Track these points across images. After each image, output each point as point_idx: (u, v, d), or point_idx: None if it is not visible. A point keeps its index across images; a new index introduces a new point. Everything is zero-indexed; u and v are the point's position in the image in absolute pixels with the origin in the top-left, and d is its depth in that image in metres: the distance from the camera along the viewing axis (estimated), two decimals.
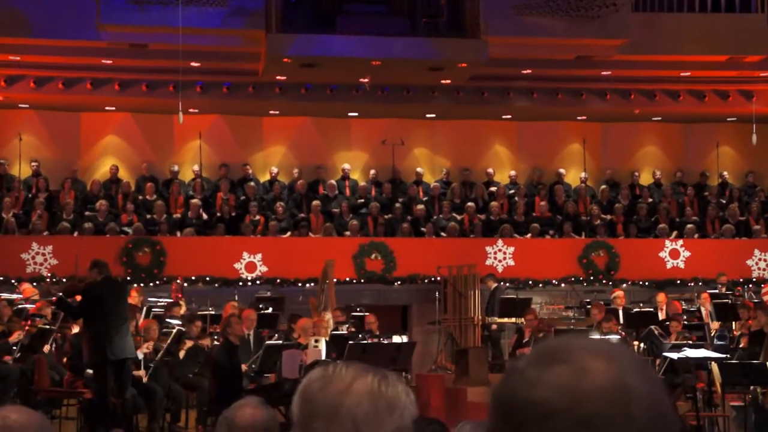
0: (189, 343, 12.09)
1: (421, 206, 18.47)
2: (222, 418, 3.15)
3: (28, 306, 13.17)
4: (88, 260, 15.96)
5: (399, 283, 17.02)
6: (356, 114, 19.27)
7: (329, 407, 1.68)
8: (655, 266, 17.54)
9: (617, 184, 19.89)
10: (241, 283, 16.45)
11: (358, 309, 15.07)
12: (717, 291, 16.09)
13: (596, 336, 11.57)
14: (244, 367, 11.41)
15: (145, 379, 11.11)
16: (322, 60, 15.94)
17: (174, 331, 11.81)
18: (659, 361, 12.86)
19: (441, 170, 19.70)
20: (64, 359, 11.66)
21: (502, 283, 16.76)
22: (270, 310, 14.40)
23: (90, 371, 10.64)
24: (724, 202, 19.31)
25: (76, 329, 11.73)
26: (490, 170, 19.69)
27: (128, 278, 16.12)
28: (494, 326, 15.26)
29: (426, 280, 16.84)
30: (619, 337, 12.96)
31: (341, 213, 18.24)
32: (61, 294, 10.63)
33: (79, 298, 10.50)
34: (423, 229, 17.99)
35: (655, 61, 17.59)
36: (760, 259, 17.72)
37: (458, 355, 13.49)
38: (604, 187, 19.60)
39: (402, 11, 16.23)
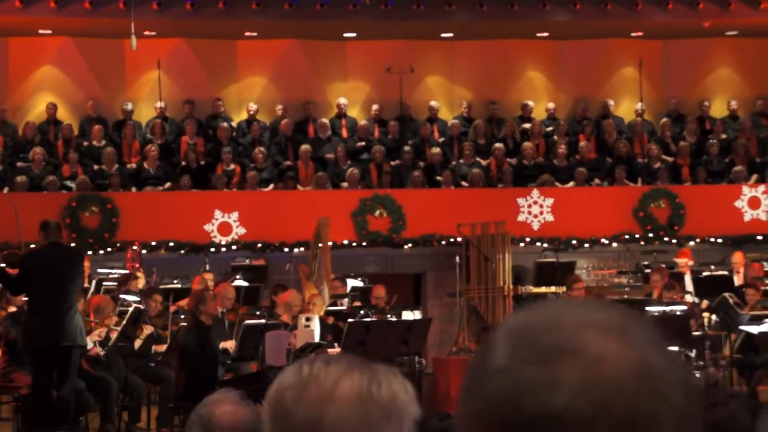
0: (148, 329, 12.13)
1: (436, 149, 18.44)
2: (195, 416, 3.14)
3: None
4: (23, 222, 16.04)
5: (410, 246, 17.04)
6: (354, 35, 19.16)
7: (309, 422, 1.64)
8: (731, 219, 17.51)
9: (682, 116, 19.82)
10: (213, 249, 16.48)
11: (359, 279, 15.11)
12: None
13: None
14: (230, 344, 11.46)
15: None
16: None
17: (130, 309, 11.85)
18: (734, 336, 12.92)
19: (461, 104, 19.64)
20: None
21: (538, 244, 16.76)
22: (248, 281, 14.43)
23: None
24: None
25: (12, 309, 11.78)
26: (523, 103, 19.61)
27: (72, 244, 16.15)
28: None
29: (443, 242, 16.86)
30: (684, 307, 12.97)
31: (337, 160, 18.22)
32: (2, 265, 10.72)
33: None
34: (439, 178, 17.97)
35: None
36: None
37: (484, 333, 13.54)
38: (665, 120, 19.52)
39: None
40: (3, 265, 10.75)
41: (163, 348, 12.21)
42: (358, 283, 14.94)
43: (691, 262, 15.53)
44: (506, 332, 1.22)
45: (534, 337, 1.20)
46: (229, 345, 11.59)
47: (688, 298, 13.87)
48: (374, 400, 1.66)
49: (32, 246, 11.04)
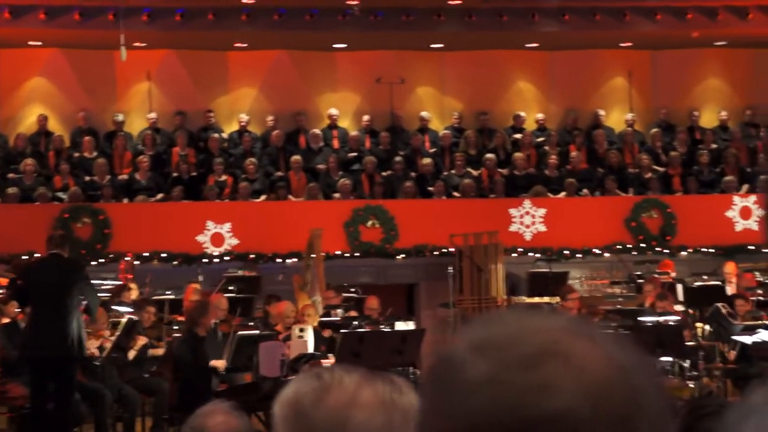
0: (142, 340, 12.11)
1: (427, 160, 18.45)
2: (188, 427, 3.16)
3: None
4: (15, 233, 15.99)
5: (403, 256, 17.04)
6: (344, 45, 19.18)
7: (332, 424, 1.66)
8: (722, 229, 17.56)
9: (672, 126, 19.87)
10: (205, 260, 16.47)
11: (352, 290, 15.10)
12: None
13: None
14: (220, 363, 11.42)
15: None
16: None
17: (124, 321, 11.82)
18: (727, 347, 12.93)
19: (451, 114, 19.66)
20: None
21: (530, 255, 16.78)
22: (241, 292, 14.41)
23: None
24: None
25: (6, 320, 11.76)
26: (515, 113, 19.64)
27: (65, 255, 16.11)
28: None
29: (436, 253, 16.86)
30: (677, 318, 12.99)
31: (328, 170, 18.22)
32: (13, 275, 10.79)
33: None
34: (431, 188, 17.98)
35: None
36: None
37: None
38: (655, 130, 19.57)
39: None
40: (14, 276, 10.81)
41: (160, 351, 12.16)
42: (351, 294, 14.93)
43: (674, 274, 15.57)
44: (473, 346, 1.21)
45: (510, 346, 1.19)
46: (219, 364, 11.52)
47: (679, 308, 13.89)
48: (396, 407, 1.69)
49: (36, 256, 11.08)
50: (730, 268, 15.43)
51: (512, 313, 1.25)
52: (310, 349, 11.65)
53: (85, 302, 10.71)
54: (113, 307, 12.78)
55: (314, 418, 1.67)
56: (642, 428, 1.17)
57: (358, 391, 1.69)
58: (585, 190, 18.33)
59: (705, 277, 15.61)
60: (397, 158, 18.42)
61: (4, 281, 14.23)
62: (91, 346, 11.30)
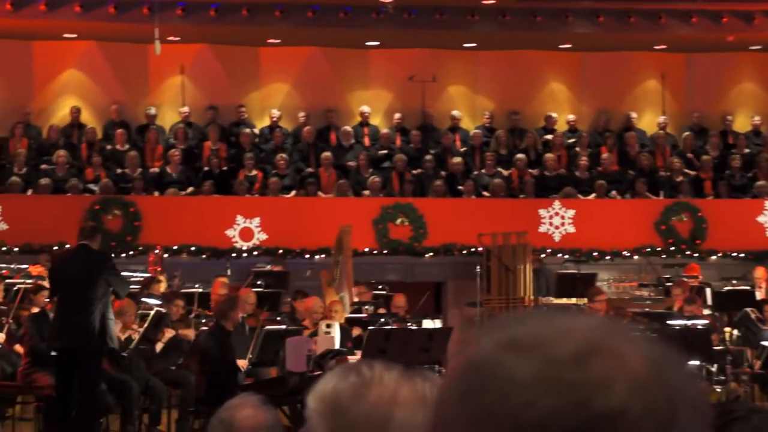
0: (169, 333, 12.16)
1: (458, 159, 18.43)
2: (216, 420, 3.17)
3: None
4: (46, 224, 16.11)
5: (431, 254, 17.03)
6: (377, 43, 19.19)
7: (374, 421, 1.64)
8: (753, 234, 17.45)
9: (705, 130, 19.76)
10: (234, 255, 16.52)
11: (380, 287, 15.11)
12: None
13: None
14: (242, 363, 11.46)
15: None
16: None
17: (152, 313, 11.87)
18: (756, 352, 12.86)
19: (483, 114, 19.63)
20: (17, 346, 11.78)
21: (559, 256, 16.73)
22: (269, 287, 14.44)
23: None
24: None
25: (35, 309, 11.85)
26: (547, 114, 19.59)
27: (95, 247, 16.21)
28: None
29: (464, 252, 16.85)
30: (705, 321, 12.93)
31: (358, 167, 18.23)
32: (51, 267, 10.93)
33: None
34: (460, 187, 17.96)
35: None
36: None
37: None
38: (687, 134, 19.48)
39: None
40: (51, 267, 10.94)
41: (191, 335, 12.19)
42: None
43: (700, 277, 15.47)
44: (503, 346, 1.16)
45: (550, 344, 1.15)
46: (242, 363, 11.56)
47: (707, 312, 13.82)
48: None
49: (66, 247, 11.16)
50: (760, 273, 15.35)
51: (536, 313, 1.21)
52: (337, 345, 11.67)
53: (112, 290, 10.76)
54: (142, 299, 12.84)
55: (354, 414, 1.65)
56: (685, 428, 1.15)
57: (398, 388, 1.66)
58: (615, 192, 18.26)
59: (734, 282, 15.53)
60: (428, 157, 18.42)
61: (36, 270, 14.35)
62: (120, 337, 11.35)
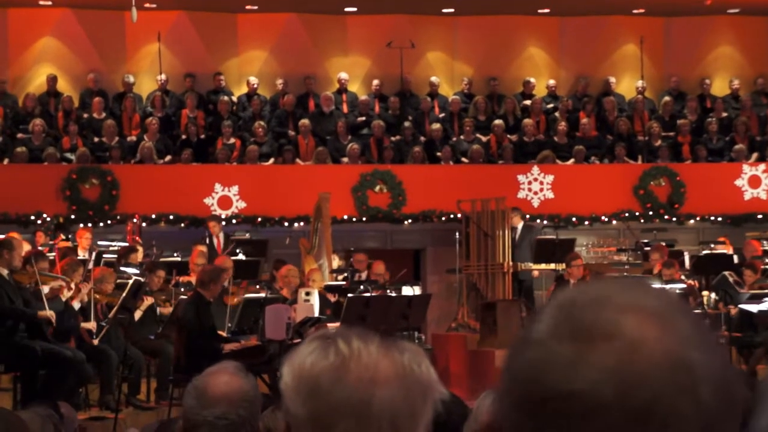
0: (148, 301, 12.13)
1: (436, 125, 18.40)
2: (190, 387, 3.16)
3: None
4: (23, 193, 16.00)
5: (410, 221, 17.03)
6: (354, 9, 19.09)
7: (356, 404, 1.57)
8: (731, 197, 17.51)
9: (683, 94, 19.78)
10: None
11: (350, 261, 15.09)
12: None
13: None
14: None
15: (95, 342, 11.16)
16: None
17: (130, 282, 11.83)
18: (734, 314, 12.92)
19: (461, 80, 19.59)
20: None
21: (538, 221, 16.75)
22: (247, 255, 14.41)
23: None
24: None
25: None
26: (525, 79, 19.56)
27: (72, 216, 16.14)
28: (535, 273, 15.25)
29: (443, 218, 16.84)
30: (683, 285, 12.98)
31: (337, 134, 18.18)
32: None
33: None
34: (439, 153, 17.94)
35: None
36: None
37: (484, 310, 13.55)
38: (666, 98, 19.49)
39: None
40: None
41: (168, 310, 12.15)
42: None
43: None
44: (555, 305, 1.19)
45: (575, 314, 1.16)
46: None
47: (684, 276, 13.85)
48: (416, 379, 1.61)
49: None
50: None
51: (610, 282, 1.21)
52: (316, 312, 11.67)
53: None
54: (121, 268, 12.80)
55: (335, 398, 1.58)
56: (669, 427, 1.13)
57: (377, 365, 1.60)
58: (594, 158, 18.27)
59: (713, 246, 15.57)
60: (406, 123, 18.37)
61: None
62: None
